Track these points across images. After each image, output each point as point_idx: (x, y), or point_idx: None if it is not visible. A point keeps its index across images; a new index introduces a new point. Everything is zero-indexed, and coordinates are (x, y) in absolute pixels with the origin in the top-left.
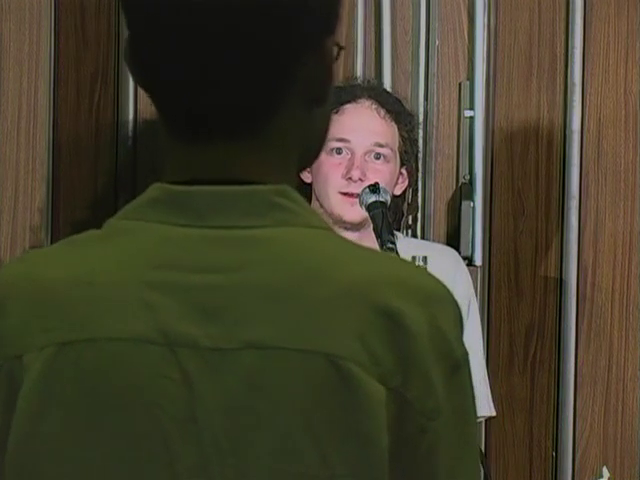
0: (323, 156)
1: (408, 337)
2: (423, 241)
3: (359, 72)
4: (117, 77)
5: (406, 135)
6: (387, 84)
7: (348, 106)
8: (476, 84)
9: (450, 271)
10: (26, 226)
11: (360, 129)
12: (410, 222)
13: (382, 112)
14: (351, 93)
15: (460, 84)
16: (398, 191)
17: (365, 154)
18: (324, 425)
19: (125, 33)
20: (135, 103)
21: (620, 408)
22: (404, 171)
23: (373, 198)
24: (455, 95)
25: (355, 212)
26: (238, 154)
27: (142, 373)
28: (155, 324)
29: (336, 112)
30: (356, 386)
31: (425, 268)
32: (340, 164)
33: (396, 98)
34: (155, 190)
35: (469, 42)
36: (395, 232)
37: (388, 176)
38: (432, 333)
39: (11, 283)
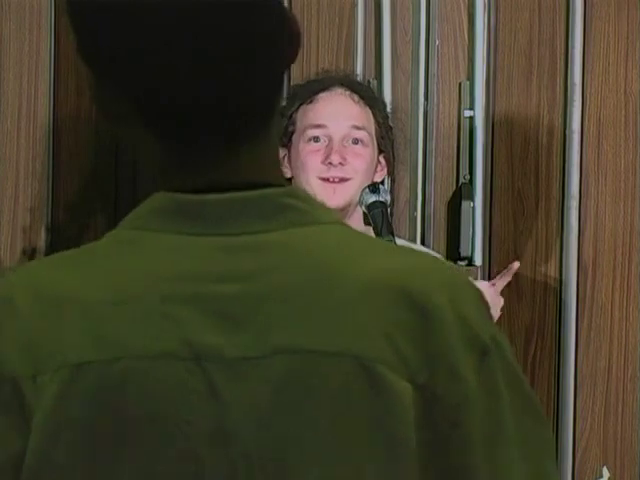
0: (301, 145)
1: (435, 330)
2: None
3: (359, 72)
4: None
5: (381, 120)
6: (387, 84)
7: (322, 94)
8: (476, 84)
9: None
10: (26, 226)
11: (336, 114)
12: (409, 221)
13: (356, 97)
14: (324, 83)
15: (460, 84)
16: (378, 178)
17: (343, 139)
18: (354, 429)
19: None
20: None
21: (620, 408)
22: (382, 159)
23: (373, 198)
24: (455, 95)
25: (338, 198)
26: (241, 155)
27: (169, 389)
28: (179, 338)
29: (310, 102)
30: (385, 388)
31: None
32: (319, 150)
33: (368, 86)
34: (159, 199)
35: (469, 42)
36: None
37: (368, 159)
38: (457, 322)
39: (16, 296)
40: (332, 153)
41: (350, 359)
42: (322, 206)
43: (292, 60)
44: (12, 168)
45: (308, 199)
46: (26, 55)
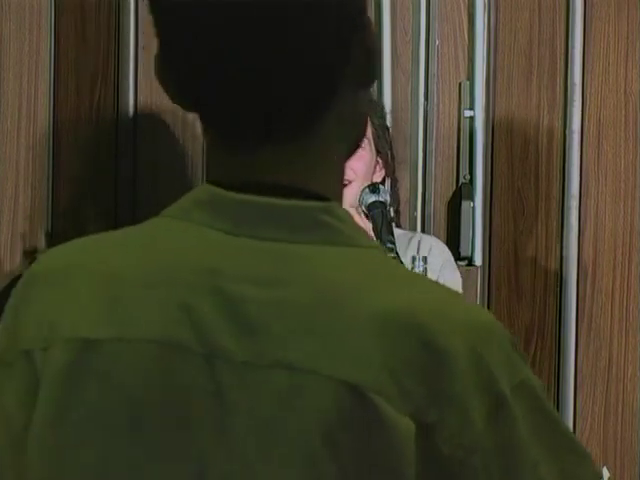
0: None
1: (445, 372)
2: (407, 231)
3: None
4: (117, 77)
5: (377, 122)
6: (387, 84)
7: None
8: (476, 84)
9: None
10: (26, 226)
11: None
12: (409, 220)
13: None
14: None
15: (460, 84)
16: (377, 179)
17: None
18: (350, 455)
19: (127, 34)
20: (135, 103)
21: (620, 408)
22: (379, 159)
23: (373, 198)
24: (455, 95)
25: None
26: (287, 157)
27: (178, 381)
28: (194, 331)
29: None
30: (381, 419)
31: (463, 298)
32: None
33: None
34: (203, 192)
35: (469, 42)
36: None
37: (367, 162)
38: (474, 368)
39: (49, 269)
40: None
41: (347, 385)
42: (358, 227)
43: (354, 66)
44: (12, 168)
45: (344, 218)
46: (26, 55)
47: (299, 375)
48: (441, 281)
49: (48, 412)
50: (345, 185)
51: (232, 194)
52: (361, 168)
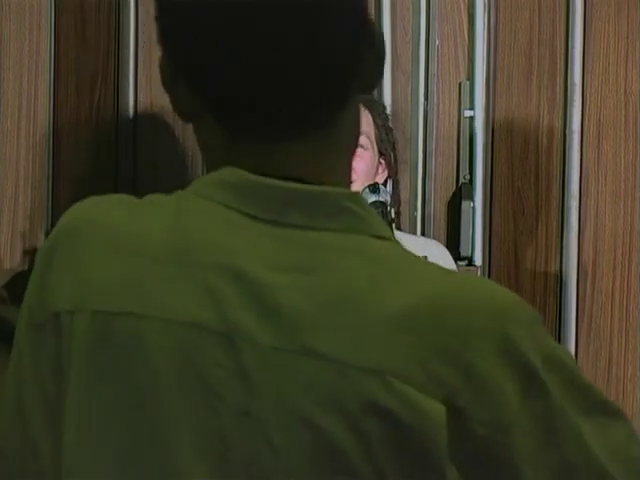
0: None
1: (473, 354)
2: (408, 235)
3: None
4: (117, 77)
5: (381, 123)
6: (387, 84)
7: None
8: (476, 84)
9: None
10: (26, 226)
11: None
12: (410, 220)
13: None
14: None
15: (460, 84)
16: (379, 180)
17: None
18: (382, 445)
19: (127, 34)
20: (135, 103)
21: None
22: (382, 161)
23: (373, 198)
24: (455, 95)
25: None
26: (305, 154)
27: (201, 360)
28: (217, 312)
29: None
30: (410, 406)
31: (488, 280)
32: None
33: None
34: (229, 173)
35: (469, 42)
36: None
37: (369, 163)
38: (500, 347)
39: (75, 229)
40: None
41: (376, 375)
42: (379, 218)
43: (369, 63)
44: (12, 168)
45: (367, 207)
46: (26, 55)
47: (325, 363)
48: None
49: (81, 382)
50: None
51: (260, 178)
52: (362, 168)
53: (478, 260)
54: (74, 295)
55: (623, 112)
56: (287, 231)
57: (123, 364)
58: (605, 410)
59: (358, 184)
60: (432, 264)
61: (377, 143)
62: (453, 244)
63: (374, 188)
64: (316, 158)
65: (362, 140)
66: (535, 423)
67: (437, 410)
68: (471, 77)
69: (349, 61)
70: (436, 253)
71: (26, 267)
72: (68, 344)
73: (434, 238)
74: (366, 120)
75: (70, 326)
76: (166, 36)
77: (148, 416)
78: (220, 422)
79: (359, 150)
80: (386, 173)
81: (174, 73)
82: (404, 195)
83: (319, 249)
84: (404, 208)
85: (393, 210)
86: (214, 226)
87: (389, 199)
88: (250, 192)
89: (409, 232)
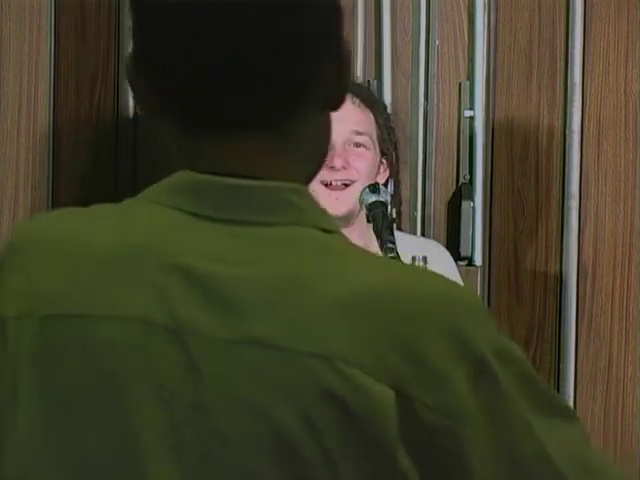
0: None
1: (422, 343)
2: (409, 235)
3: (359, 72)
4: (117, 77)
5: (382, 122)
6: (387, 84)
7: None
8: (476, 84)
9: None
10: None
11: (337, 119)
12: (410, 220)
13: (357, 101)
14: None
15: (460, 84)
16: (381, 180)
17: (345, 143)
18: (330, 430)
19: (127, 34)
20: (135, 103)
21: (620, 408)
22: (384, 160)
23: (373, 198)
24: (455, 95)
25: (340, 206)
26: (255, 153)
27: (151, 356)
28: (165, 307)
29: None
30: (359, 390)
31: (437, 273)
32: None
33: (367, 88)
34: (180, 176)
35: (469, 42)
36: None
37: (370, 163)
38: (450, 337)
39: (26, 240)
40: (335, 157)
41: (324, 360)
42: (325, 212)
43: (327, 66)
44: (12, 168)
45: (312, 201)
46: (26, 55)
47: (272, 351)
48: None
49: (31, 388)
50: (347, 185)
51: (206, 177)
52: (364, 168)
53: (478, 260)
54: (21, 303)
55: (623, 112)
56: (233, 227)
57: (74, 366)
58: (560, 410)
59: (360, 184)
60: (380, 257)
61: (379, 143)
62: (453, 244)
63: (374, 188)
64: (267, 159)
65: (364, 141)
66: (485, 414)
67: (387, 396)
68: (471, 77)
69: (306, 68)
70: (436, 254)
71: None
72: (14, 350)
73: (434, 238)
74: (368, 120)
75: (17, 332)
76: (133, 30)
77: (104, 416)
78: (173, 417)
79: (360, 150)
80: (387, 173)
81: (136, 68)
82: (404, 195)
83: (265, 242)
84: (404, 208)
85: (394, 210)
86: (160, 227)
87: (389, 199)
88: (195, 192)
89: (409, 232)
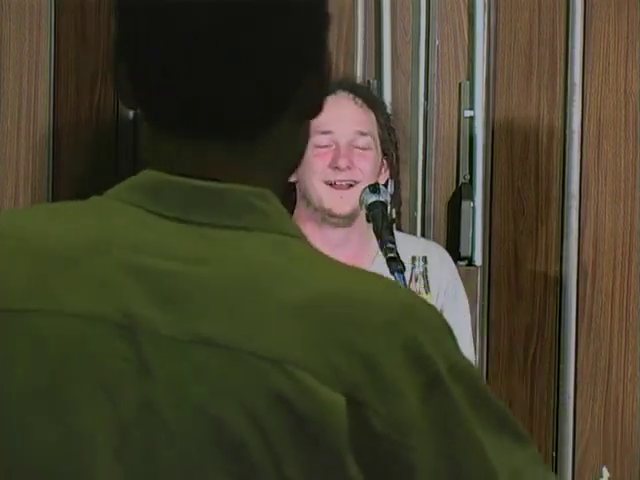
0: (309, 150)
1: (375, 352)
2: (409, 236)
3: (359, 72)
4: None
5: (383, 122)
6: (387, 84)
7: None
8: (476, 84)
9: (436, 264)
10: None
11: (341, 119)
12: (410, 221)
13: (359, 101)
14: None
15: (460, 84)
16: (382, 180)
17: (349, 143)
18: (277, 433)
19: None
20: None
21: (620, 408)
22: (384, 161)
23: (373, 198)
24: (455, 95)
25: (344, 204)
26: (225, 157)
27: (99, 352)
28: (117, 305)
29: None
30: (309, 396)
31: (397, 283)
32: (325, 154)
33: (368, 88)
34: (143, 175)
35: (469, 42)
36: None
37: (373, 163)
38: (404, 349)
39: None
40: (340, 157)
41: (272, 362)
42: (288, 217)
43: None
44: (12, 168)
45: (276, 206)
46: (26, 55)
47: (223, 352)
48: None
49: None
50: (352, 185)
51: (169, 177)
52: (368, 169)
53: (478, 260)
54: None
55: (623, 112)
56: (192, 228)
57: (24, 361)
58: (513, 432)
59: (363, 184)
60: (345, 265)
61: (380, 143)
62: (453, 244)
63: (374, 188)
64: (237, 164)
65: (367, 140)
66: (435, 427)
67: (338, 402)
68: (471, 77)
69: (284, 77)
70: (436, 255)
71: None
72: None
73: (434, 238)
74: (370, 120)
75: None
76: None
77: (45, 415)
78: (119, 415)
79: (363, 152)
80: (388, 173)
81: (117, 65)
82: (404, 195)
83: (223, 244)
84: (404, 208)
85: (394, 210)
86: (119, 225)
87: (389, 199)
88: (158, 192)
89: (409, 232)
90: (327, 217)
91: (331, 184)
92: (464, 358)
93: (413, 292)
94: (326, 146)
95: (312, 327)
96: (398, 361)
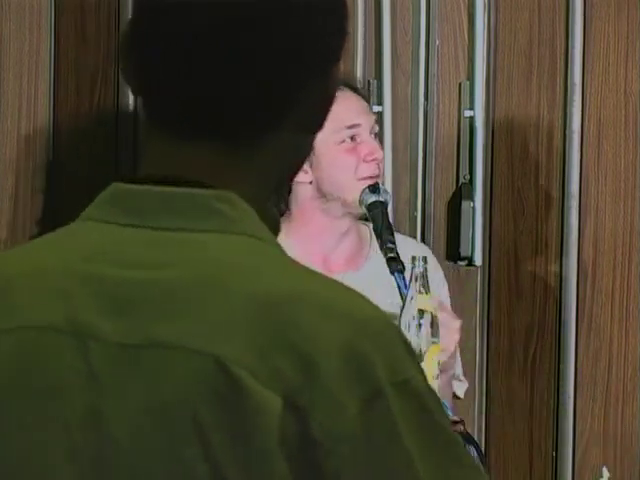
0: (331, 146)
1: (318, 359)
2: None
3: (359, 72)
4: (117, 77)
5: (373, 114)
6: (387, 84)
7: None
8: (476, 84)
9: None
10: (26, 226)
11: (363, 111)
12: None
13: (359, 96)
14: None
15: (460, 84)
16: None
17: (370, 134)
18: (215, 431)
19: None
20: (135, 103)
21: (620, 408)
22: None
23: (373, 198)
24: (455, 95)
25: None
26: (209, 162)
27: (50, 362)
28: (67, 313)
29: None
30: (246, 394)
31: (360, 293)
32: (354, 149)
33: (362, 88)
34: (108, 189)
35: (469, 42)
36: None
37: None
38: (347, 359)
39: None
40: (375, 150)
41: (211, 358)
42: (255, 219)
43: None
44: (12, 168)
45: (242, 208)
46: (26, 55)
47: (168, 351)
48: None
49: None
50: (378, 176)
51: (130, 186)
52: (382, 163)
53: (478, 260)
54: None
55: (623, 112)
56: (155, 234)
57: None
58: (457, 459)
59: (381, 177)
60: (304, 267)
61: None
62: (453, 244)
63: (374, 188)
64: (232, 167)
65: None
66: (369, 441)
67: (273, 402)
68: (471, 77)
69: (284, 78)
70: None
71: None
72: None
73: (434, 238)
74: (368, 117)
75: None
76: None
77: (7, 427)
78: (68, 426)
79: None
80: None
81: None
82: (404, 195)
83: (181, 248)
84: (404, 208)
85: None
86: (82, 241)
87: (389, 199)
88: (121, 202)
89: (409, 233)
90: (352, 211)
91: (364, 178)
92: (421, 380)
93: (379, 308)
94: (353, 140)
95: (262, 327)
96: (339, 367)
